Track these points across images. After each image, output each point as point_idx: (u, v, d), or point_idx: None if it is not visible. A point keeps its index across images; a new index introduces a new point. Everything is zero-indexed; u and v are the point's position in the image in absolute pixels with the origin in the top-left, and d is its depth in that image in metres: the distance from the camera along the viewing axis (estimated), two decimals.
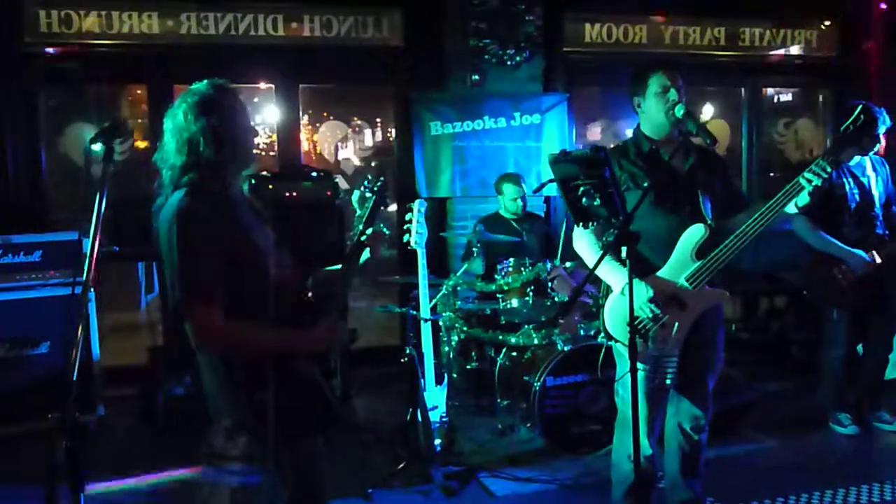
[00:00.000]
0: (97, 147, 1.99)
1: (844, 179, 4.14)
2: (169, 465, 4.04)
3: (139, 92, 6.80)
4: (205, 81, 2.20)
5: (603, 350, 3.06)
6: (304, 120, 8.13)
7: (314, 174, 5.10)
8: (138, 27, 5.42)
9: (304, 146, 8.34)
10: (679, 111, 2.81)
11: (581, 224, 2.73)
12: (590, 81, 6.49)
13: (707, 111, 8.09)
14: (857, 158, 4.20)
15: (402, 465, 3.85)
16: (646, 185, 2.84)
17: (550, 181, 2.57)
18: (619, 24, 6.32)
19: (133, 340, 5.53)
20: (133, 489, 3.82)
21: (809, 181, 2.69)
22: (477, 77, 5.76)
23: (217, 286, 2.03)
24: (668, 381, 2.89)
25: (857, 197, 4.14)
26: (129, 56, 5.50)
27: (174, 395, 4.62)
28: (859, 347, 4.41)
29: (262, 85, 6.15)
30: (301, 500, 2.33)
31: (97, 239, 1.87)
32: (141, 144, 6.61)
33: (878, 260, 4.05)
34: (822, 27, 6.83)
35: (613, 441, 3.12)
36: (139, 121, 6.61)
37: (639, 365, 2.62)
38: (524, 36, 5.74)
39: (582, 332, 4.44)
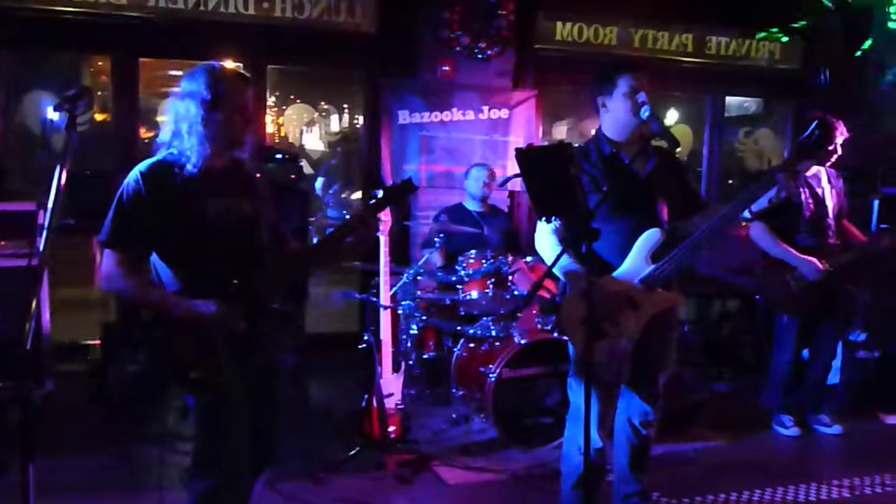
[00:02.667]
0: (58, 115, 2.00)
1: (801, 189, 4.25)
2: (120, 443, 4.00)
3: (101, 63, 6.65)
4: (205, 62, 2.40)
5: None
6: (271, 101, 8.05)
7: (278, 156, 5.08)
8: None
9: (270, 128, 8.26)
10: (645, 113, 2.85)
11: (543, 219, 2.77)
12: (559, 79, 6.53)
13: (671, 116, 8.22)
14: (814, 169, 4.31)
15: (355, 451, 3.86)
16: (605, 188, 2.88)
17: (516, 175, 2.60)
18: (590, 24, 6.38)
19: (86, 316, 5.42)
20: (81, 468, 3.76)
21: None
22: (447, 68, 5.77)
23: (124, 238, 2.31)
24: (619, 378, 2.95)
25: (811, 206, 4.25)
26: (94, 25, 5.38)
27: (127, 373, 4.55)
28: (805, 352, 4.54)
29: (229, 63, 6.06)
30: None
31: (56, 211, 1.87)
32: (99, 117, 6.47)
33: (829, 268, 4.17)
34: (786, 40, 6.98)
35: (565, 434, 3.16)
36: (100, 93, 6.46)
37: (591, 360, 2.68)
38: (496, 30, 5.77)
39: (539, 326, 4.49)
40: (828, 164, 4.33)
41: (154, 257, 2.40)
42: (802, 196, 4.23)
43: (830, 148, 4.16)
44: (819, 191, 4.29)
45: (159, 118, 6.32)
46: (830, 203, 4.31)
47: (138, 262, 2.37)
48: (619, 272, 2.90)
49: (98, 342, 4.90)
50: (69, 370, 4.90)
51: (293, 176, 5.10)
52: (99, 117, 6.43)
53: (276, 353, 2.60)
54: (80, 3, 5.25)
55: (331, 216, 7.71)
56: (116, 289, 2.35)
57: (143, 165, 2.35)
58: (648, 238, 2.87)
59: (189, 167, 2.33)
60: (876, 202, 5.58)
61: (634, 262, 2.88)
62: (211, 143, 2.34)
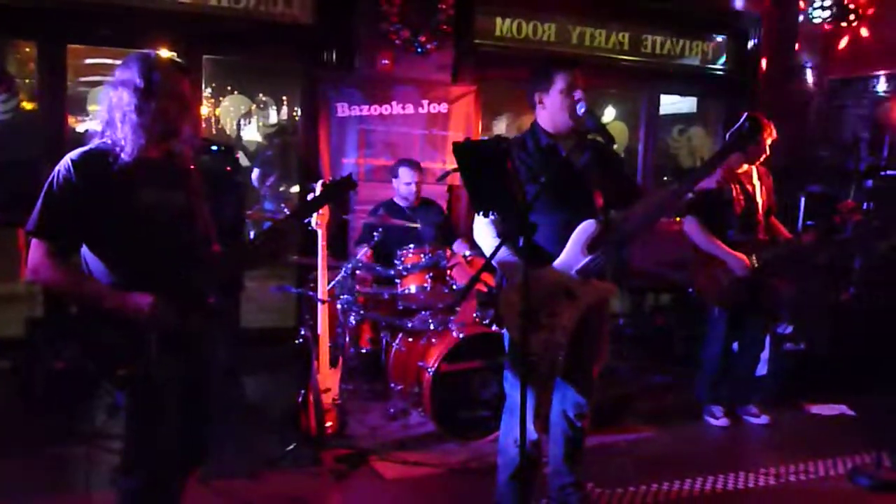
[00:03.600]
0: None
1: (732, 185, 4.37)
2: (45, 442, 3.87)
3: (28, 50, 6.39)
4: (139, 51, 2.37)
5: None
6: (207, 92, 7.87)
7: (214, 148, 4.97)
8: None
9: (206, 120, 8.09)
10: (580, 110, 2.89)
11: (481, 213, 2.79)
12: (498, 75, 6.56)
13: (609, 113, 8.35)
14: (745, 166, 4.44)
15: (291, 447, 3.81)
16: (542, 179, 2.91)
17: (454, 170, 2.61)
18: (530, 20, 6.43)
19: (9, 312, 5.21)
20: (6, 468, 3.62)
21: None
22: (386, 61, 5.74)
23: (53, 228, 2.25)
24: (554, 370, 2.98)
25: (742, 203, 4.37)
26: (19, 10, 5.17)
27: (52, 370, 4.40)
28: (735, 345, 4.68)
29: (164, 52, 5.91)
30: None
31: None
32: (27, 105, 6.23)
33: (757, 264, 4.30)
34: (718, 40, 7.17)
35: (501, 426, 3.19)
36: (27, 81, 6.21)
37: (527, 353, 2.71)
38: (435, 24, 5.76)
39: (477, 320, 4.52)
40: (758, 162, 4.46)
41: (84, 249, 2.33)
42: (734, 193, 4.35)
43: (759, 146, 4.29)
44: (749, 188, 4.42)
45: (90, 107, 6.12)
46: (760, 200, 4.44)
47: (67, 252, 2.30)
48: (556, 263, 2.93)
49: (22, 338, 4.72)
50: None
51: (229, 168, 4.99)
52: (28, 106, 6.18)
53: (209, 348, 2.55)
54: None
55: (267, 208, 7.60)
56: (44, 279, 2.29)
57: (74, 154, 2.29)
58: (584, 229, 2.91)
59: (123, 157, 2.27)
60: (803, 199, 5.80)
61: (571, 254, 2.92)
62: (145, 131, 2.28)
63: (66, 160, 2.26)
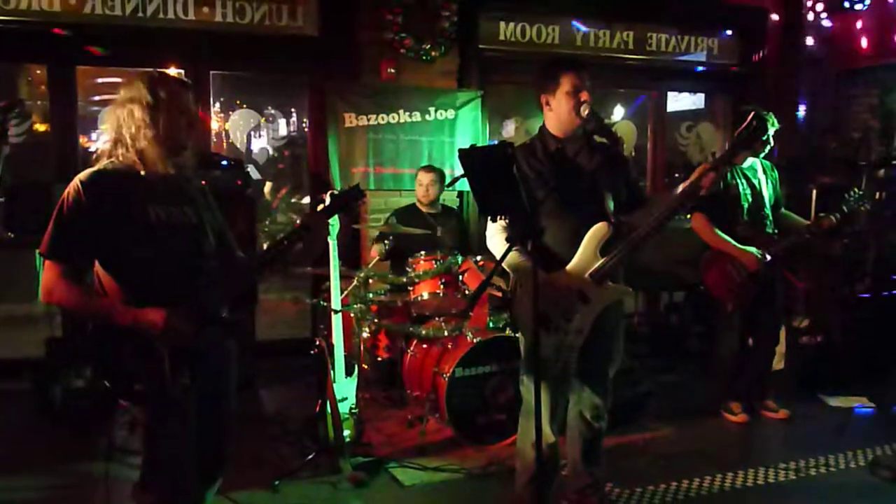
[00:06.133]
0: None
1: (738, 181, 4.36)
2: (65, 460, 3.91)
3: (39, 72, 6.48)
4: (145, 70, 2.41)
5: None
6: (216, 107, 7.94)
7: (224, 163, 5.02)
8: (39, 4, 5.16)
9: (215, 135, 8.15)
10: (586, 111, 2.90)
11: (490, 218, 2.80)
12: (503, 79, 6.58)
13: (617, 113, 8.35)
14: (750, 161, 4.43)
15: (310, 457, 3.83)
16: (551, 182, 2.92)
17: (462, 176, 2.63)
18: (533, 24, 6.44)
19: (28, 332, 5.27)
20: (28, 485, 3.67)
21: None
22: (392, 70, 5.77)
23: (65, 249, 2.27)
24: (570, 372, 2.99)
25: (749, 198, 4.36)
26: (29, 34, 5.24)
27: (72, 389, 4.45)
28: (749, 340, 4.66)
29: (172, 70, 5.98)
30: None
31: None
32: (40, 128, 6.31)
33: (768, 258, 4.29)
34: (723, 36, 7.15)
35: (518, 430, 3.20)
36: (38, 103, 6.29)
37: (542, 356, 2.72)
38: (439, 31, 5.79)
39: (491, 325, 4.53)
40: (762, 155, 4.45)
41: (98, 267, 2.35)
42: (740, 188, 4.34)
43: (764, 139, 4.28)
44: (755, 182, 4.41)
45: (101, 127, 6.19)
46: (766, 194, 4.43)
47: (80, 272, 2.32)
48: (570, 266, 2.94)
49: (42, 358, 4.77)
50: (12, 388, 4.76)
51: (239, 182, 5.04)
52: (41, 128, 6.26)
53: (223, 361, 2.57)
54: (12, 11, 5.11)
55: (280, 221, 7.65)
56: (58, 300, 2.30)
57: (83, 175, 2.31)
58: (597, 232, 2.92)
59: (132, 174, 2.31)
60: (814, 191, 5.77)
61: (584, 256, 2.93)
62: (154, 147, 2.32)
63: (76, 182, 2.28)
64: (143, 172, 2.32)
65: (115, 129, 2.35)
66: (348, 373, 3.94)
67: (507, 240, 2.92)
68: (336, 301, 3.94)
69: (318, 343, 4.00)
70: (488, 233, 3.05)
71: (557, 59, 3.18)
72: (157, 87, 2.34)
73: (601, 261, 2.91)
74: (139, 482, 2.44)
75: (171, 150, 2.38)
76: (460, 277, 4.52)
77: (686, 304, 6.39)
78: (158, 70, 2.44)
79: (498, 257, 3.02)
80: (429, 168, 5.25)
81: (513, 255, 2.84)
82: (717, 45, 7.13)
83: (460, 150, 2.51)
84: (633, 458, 4.06)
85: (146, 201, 2.33)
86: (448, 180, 5.16)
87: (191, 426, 2.40)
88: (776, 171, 4.55)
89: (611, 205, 3.06)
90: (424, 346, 4.49)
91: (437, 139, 5.94)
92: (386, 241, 4.88)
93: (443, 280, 4.47)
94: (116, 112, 2.35)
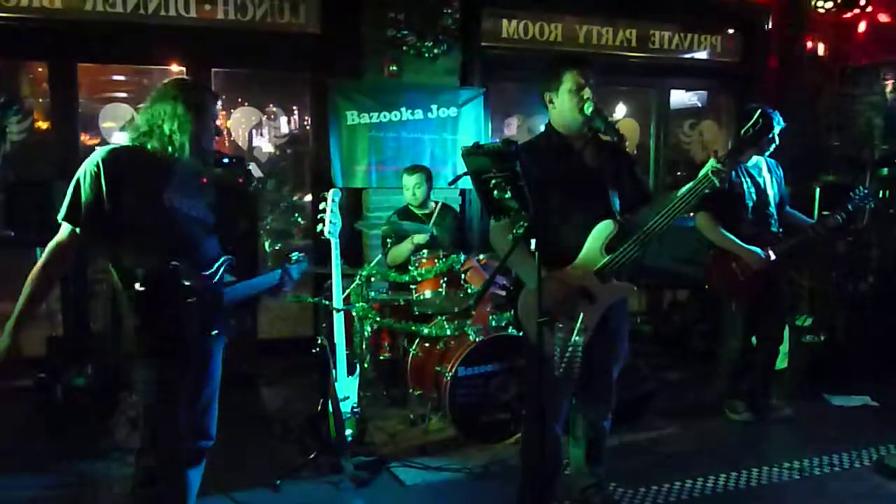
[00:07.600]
0: None
1: (742, 179, 4.33)
2: (66, 459, 3.90)
3: (40, 70, 6.46)
4: (181, 77, 2.58)
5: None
6: (217, 105, 7.90)
7: (226, 160, 5.00)
8: (40, 1, 5.13)
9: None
10: (588, 108, 2.88)
11: (493, 216, 2.78)
12: (506, 77, 6.55)
13: (619, 110, 8.31)
14: (754, 159, 4.40)
15: (312, 456, 3.82)
16: (557, 181, 2.90)
17: (465, 174, 2.61)
18: (536, 21, 6.42)
19: (30, 331, 5.25)
20: (28, 484, 3.66)
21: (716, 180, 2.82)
22: (395, 68, 5.75)
23: (78, 215, 2.39)
24: (574, 371, 2.97)
25: (753, 196, 4.34)
26: (29, 31, 5.23)
27: (74, 387, 4.44)
28: (753, 339, 4.64)
29: (174, 67, 5.96)
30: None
31: None
32: (42, 125, 6.29)
33: (773, 256, 4.27)
34: (726, 34, 7.13)
35: (521, 429, 3.18)
36: (40, 100, 6.27)
37: (545, 355, 2.70)
38: (442, 29, 5.77)
39: (493, 324, 4.51)
40: (767, 153, 4.43)
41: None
42: (745, 186, 4.32)
43: (770, 137, 4.26)
44: (760, 180, 4.38)
45: (102, 124, 6.17)
46: (770, 192, 4.41)
47: (85, 244, 2.46)
48: (575, 264, 2.92)
49: (43, 356, 4.76)
50: (12, 386, 4.75)
51: (241, 180, 5.03)
52: (42, 125, 6.24)
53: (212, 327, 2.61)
54: (13, 8, 5.09)
55: (281, 219, 7.63)
56: (46, 260, 2.45)
57: (103, 150, 2.44)
58: (602, 229, 2.90)
59: (155, 158, 2.47)
60: (818, 190, 5.74)
61: (590, 254, 2.91)
62: (190, 144, 2.49)
63: (95, 155, 2.41)
64: (166, 161, 2.47)
65: (149, 120, 2.50)
66: (350, 372, 3.93)
67: (511, 238, 2.91)
68: (338, 300, 3.92)
69: (319, 342, 3.98)
70: (492, 231, 3.03)
71: (561, 56, 3.16)
72: (199, 91, 2.60)
73: (606, 258, 2.89)
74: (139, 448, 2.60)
75: (201, 151, 2.57)
76: (463, 276, 4.50)
77: (690, 303, 6.37)
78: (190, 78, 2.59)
79: (501, 254, 3.02)
80: (411, 169, 5.13)
81: (517, 254, 2.82)
82: (720, 42, 7.10)
83: (463, 149, 2.50)
84: (636, 457, 4.04)
85: (163, 188, 2.46)
86: (449, 178, 5.14)
87: (184, 400, 2.53)
88: (780, 170, 4.53)
89: (616, 202, 3.04)
90: (426, 344, 4.47)
91: (439, 137, 5.92)
92: (388, 241, 4.84)
93: (445, 279, 4.45)
94: (157, 106, 2.50)
